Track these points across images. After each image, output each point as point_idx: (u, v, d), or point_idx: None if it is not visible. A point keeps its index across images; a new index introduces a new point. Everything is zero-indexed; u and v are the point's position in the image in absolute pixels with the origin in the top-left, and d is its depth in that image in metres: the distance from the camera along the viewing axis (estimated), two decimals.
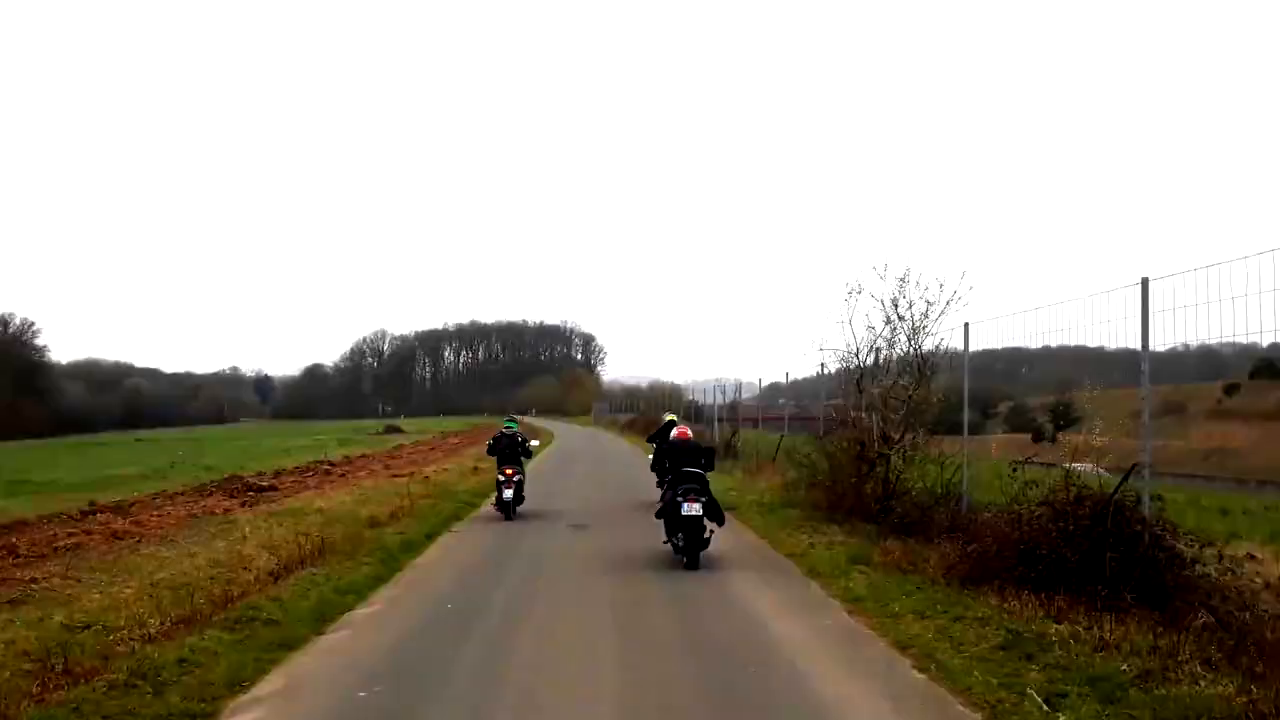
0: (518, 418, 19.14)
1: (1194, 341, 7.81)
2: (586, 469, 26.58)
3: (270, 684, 5.98)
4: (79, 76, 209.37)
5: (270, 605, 7.95)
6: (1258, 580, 7.58)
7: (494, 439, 16.01)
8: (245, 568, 9.81)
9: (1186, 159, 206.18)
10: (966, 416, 11.73)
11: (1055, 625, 6.59)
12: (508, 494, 14.76)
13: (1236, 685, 5.02)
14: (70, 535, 12.75)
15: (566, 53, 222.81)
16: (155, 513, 15.75)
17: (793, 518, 13.55)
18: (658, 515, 11.25)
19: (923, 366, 12.08)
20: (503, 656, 6.72)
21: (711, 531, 10.67)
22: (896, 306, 12.26)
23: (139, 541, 12.19)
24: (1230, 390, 73.51)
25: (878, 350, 12.95)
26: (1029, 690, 5.33)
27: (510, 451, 15.40)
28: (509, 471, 14.91)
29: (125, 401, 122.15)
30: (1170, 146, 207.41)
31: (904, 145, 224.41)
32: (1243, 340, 7.29)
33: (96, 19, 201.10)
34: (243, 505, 16.92)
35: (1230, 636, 5.83)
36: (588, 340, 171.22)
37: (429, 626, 7.65)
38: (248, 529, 12.63)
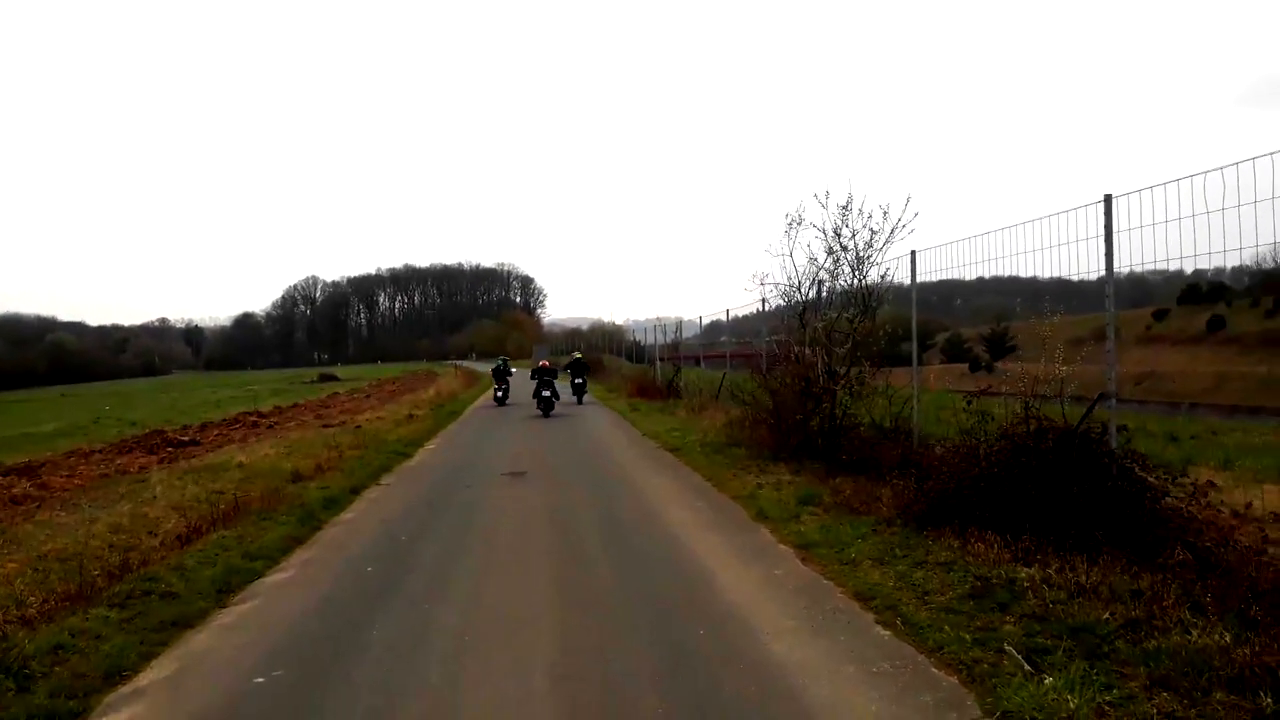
0: (504, 357, 31.37)
1: (1133, 267, 7.54)
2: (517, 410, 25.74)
3: (155, 671, 5.25)
4: None
5: (170, 575, 7.19)
6: (1224, 510, 7.23)
7: (494, 369, 29.91)
8: (151, 532, 9.03)
9: (1136, 80, 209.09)
10: (916, 347, 11.26)
11: (1025, 569, 6.08)
12: (499, 394, 28.29)
13: (1233, 634, 4.56)
14: None
15: None
16: (65, 473, 14.74)
17: (739, 457, 13.07)
18: (533, 396, 23.92)
19: (867, 298, 11.57)
20: (428, 626, 6.05)
21: (554, 400, 23.87)
22: (839, 236, 11.70)
23: (38, 506, 11.31)
24: (1159, 315, 75.54)
25: (820, 283, 12.48)
26: (1007, 647, 4.82)
27: (500, 374, 29.04)
28: (500, 385, 28.63)
29: (49, 356, 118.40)
30: (1115, 70, 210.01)
31: (845, 67, 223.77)
32: (1183, 264, 7.02)
33: None
34: (160, 462, 15.98)
35: (1213, 575, 5.40)
36: (526, 282, 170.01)
37: (345, 594, 6.93)
38: (159, 488, 11.81)
